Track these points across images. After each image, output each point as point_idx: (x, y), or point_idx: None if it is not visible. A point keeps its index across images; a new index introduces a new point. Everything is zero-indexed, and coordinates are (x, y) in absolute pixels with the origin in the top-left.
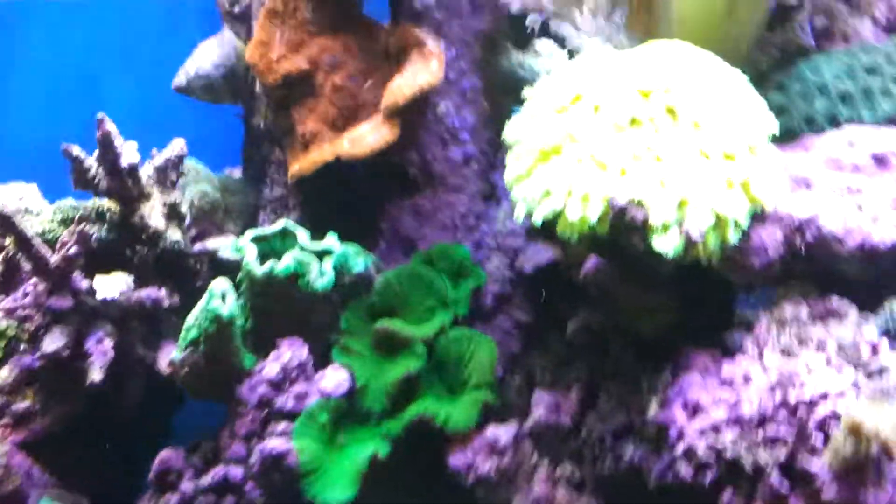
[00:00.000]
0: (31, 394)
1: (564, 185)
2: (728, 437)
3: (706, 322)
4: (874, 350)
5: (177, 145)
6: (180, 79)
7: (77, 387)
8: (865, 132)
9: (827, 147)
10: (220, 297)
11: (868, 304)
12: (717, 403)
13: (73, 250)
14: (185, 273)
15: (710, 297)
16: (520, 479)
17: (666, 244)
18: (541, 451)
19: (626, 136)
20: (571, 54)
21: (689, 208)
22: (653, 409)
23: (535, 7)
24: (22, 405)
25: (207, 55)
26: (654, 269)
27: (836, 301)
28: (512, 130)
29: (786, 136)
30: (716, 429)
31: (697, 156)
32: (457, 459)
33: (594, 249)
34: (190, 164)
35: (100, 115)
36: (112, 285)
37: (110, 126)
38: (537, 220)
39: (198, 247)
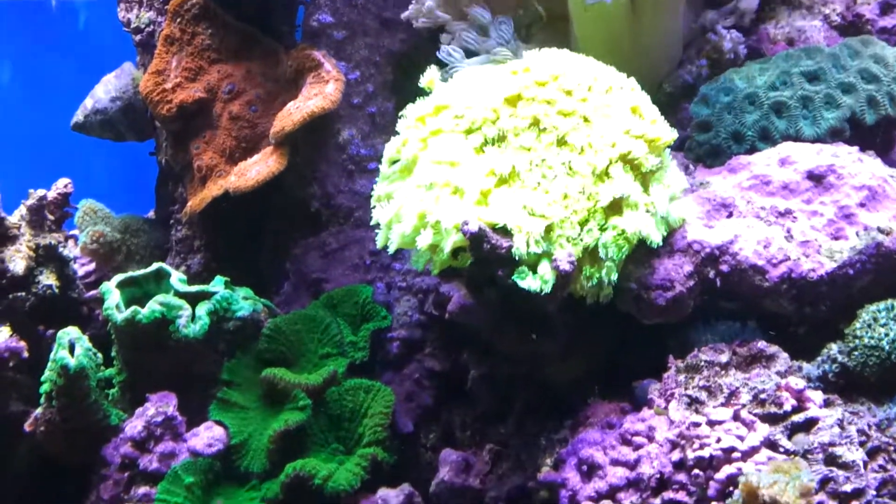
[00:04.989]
0: None
1: (415, 208)
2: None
3: (634, 366)
4: (799, 400)
5: (60, 184)
6: (77, 117)
7: None
8: (801, 148)
9: (755, 166)
10: (68, 347)
11: (810, 346)
12: (615, 464)
13: None
14: (75, 320)
15: (636, 339)
16: None
17: (532, 279)
18: None
19: (488, 154)
20: None
21: (557, 236)
22: (545, 470)
23: (428, 23)
24: None
25: (105, 89)
26: (538, 308)
27: (762, 344)
28: (386, 150)
29: (710, 155)
30: (611, 493)
31: (569, 175)
32: None
33: (471, 287)
34: (87, 204)
35: None
36: None
37: None
38: (391, 248)
39: (90, 292)
